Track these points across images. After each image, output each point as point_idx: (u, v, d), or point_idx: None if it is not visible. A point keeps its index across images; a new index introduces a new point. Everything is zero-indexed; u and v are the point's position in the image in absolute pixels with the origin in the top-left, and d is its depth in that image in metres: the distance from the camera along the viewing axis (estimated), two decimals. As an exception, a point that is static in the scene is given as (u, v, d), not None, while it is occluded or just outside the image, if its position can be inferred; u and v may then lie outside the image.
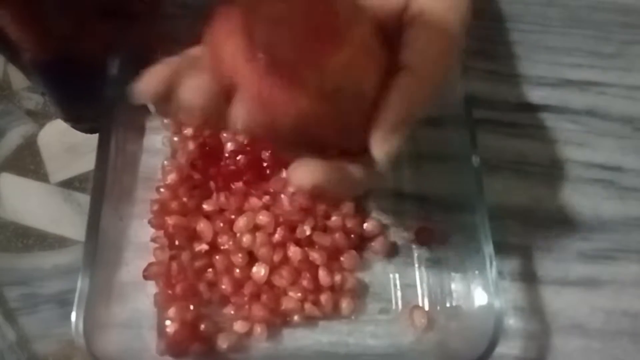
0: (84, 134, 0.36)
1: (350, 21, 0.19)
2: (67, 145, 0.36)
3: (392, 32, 0.21)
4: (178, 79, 0.20)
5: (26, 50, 0.29)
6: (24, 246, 0.33)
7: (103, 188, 0.26)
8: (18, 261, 0.32)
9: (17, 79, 0.38)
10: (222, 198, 0.30)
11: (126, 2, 0.30)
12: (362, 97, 0.20)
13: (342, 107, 0.20)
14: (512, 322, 0.31)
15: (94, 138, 0.35)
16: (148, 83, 0.20)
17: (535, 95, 0.38)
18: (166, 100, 0.20)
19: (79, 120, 0.36)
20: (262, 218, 0.30)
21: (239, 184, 0.31)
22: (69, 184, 0.35)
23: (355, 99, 0.20)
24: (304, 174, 0.20)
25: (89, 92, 0.32)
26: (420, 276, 0.31)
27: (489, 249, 0.27)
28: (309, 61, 0.19)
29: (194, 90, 0.20)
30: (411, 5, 0.21)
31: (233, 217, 0.30)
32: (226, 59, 0.19)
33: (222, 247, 0.30)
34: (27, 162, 0.36)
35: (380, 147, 0.20)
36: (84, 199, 0.34)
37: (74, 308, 0.24)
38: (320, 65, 0.19)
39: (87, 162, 0.36)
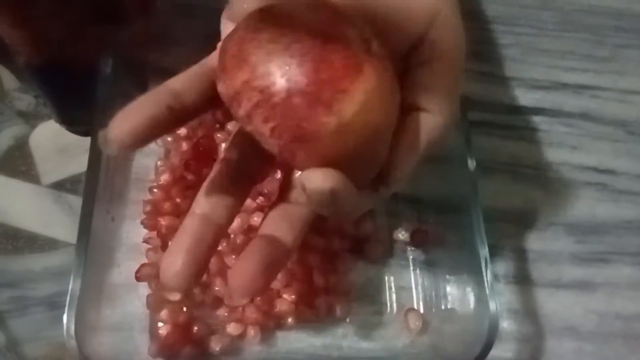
0: (76, 136, 0.36)
1: (366, 49, 0.18)
2: (59, 147, 0.36)
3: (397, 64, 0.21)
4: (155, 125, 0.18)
5: (20, 53, 0.28)
6: (13, 248, 0.32)
7: (95, 189, 0.26)
8: (8, 263, 0.32)
9: (9, 79, 0.37)
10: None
11: (120, 6, 0.29)
12: (382, 140, 0.19)
13: (359, 155, 0.19)
14: (505, 324, 0.31)
15: (86, 140, 0.35)
16: (119, 130, 0.18)
17: (530, 97, 0.38)
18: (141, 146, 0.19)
19: (74, 123, 0.36)
20: (256, 219, 0.30)
21: None
22: (60, 186, 0.34)
23: (374, 144, 0.19)
24: (322, 176, 0.18)
25: (83, 95, 0.32)
26: (414, 278, 0.31)
27: (484, 251, 0.27)
28: (322, 102, 0.17)
29: None
30: (428, 36, 0.21)
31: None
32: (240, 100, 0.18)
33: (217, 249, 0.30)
34: (18, 163, 0.35)
35: (397, 183, 0.21)
36: (75, 200, 0.34)
37: (66, 310, 0.23)
38: (335, 104, 0.17)
39: (78, 164, 0.35)
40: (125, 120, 0.18)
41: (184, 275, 0.19)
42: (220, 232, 0.21)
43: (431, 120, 0.21)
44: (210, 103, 0.20)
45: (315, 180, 0.18)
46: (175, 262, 0.19)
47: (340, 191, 0.18)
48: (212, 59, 0.21)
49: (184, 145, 0.32)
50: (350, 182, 0.19)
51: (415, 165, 0.21)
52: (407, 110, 0.21)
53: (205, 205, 0.21)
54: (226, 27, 0.22)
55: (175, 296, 0.28)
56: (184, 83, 0.20)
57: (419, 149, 0.21)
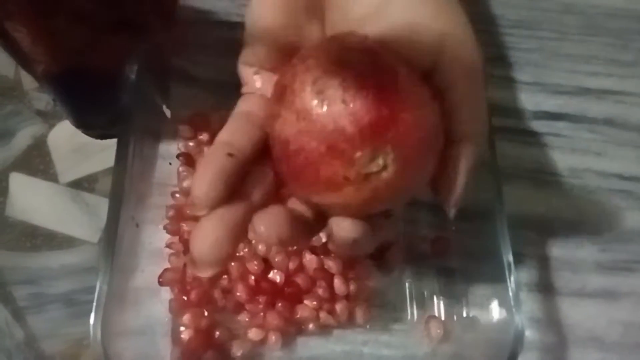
0: (93, 135, 0.36)
1: (410, 79, 0.20)
2: (76, 146, 0.36)
3: None
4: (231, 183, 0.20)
5: (39, 62, 0.29)
6: (32, 245, 0.33)
7: (121, 194, 0.26)
8: (26, 260, 0.33)
9: (28, 79, 0.38)
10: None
11: (138, 14, 0.30)
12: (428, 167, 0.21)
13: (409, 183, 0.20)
14: (528, 333, 0.30)
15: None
16: (201, 194, 0.20)
17: (553, 103, 0.37)
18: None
19: (90, 127, 0.36)
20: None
21: None
22: (77, 184, 0.35)
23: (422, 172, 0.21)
24: (350, 227, 0.21)
25: (101, 101, 0.32)
26: (436, 286, 0.31)
27: (508, 259, 0.27)
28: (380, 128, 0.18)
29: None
30: (439, 66, 0.21)
31: (248, 224, 0.30)
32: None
33: (237, 254, 0.30)
34: (36, 162, 0.36)
35: (455, 205, 0.23)
36: (92, 199, 0.35)
37: (92, 314, 0.23)
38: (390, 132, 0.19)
39: (96, 163, 0.36)
40: (202, 181, 0.20)
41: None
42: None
43: (475, 146, 0.22)
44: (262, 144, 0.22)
45: (342, 230, 0.21)
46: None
47: (361, 241, 0.21)
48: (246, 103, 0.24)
49: (206, 151, 0.32)
50: (371, 230, 0.21)
51: (464, 190, 0.22)
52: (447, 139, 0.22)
53: (226, 135, 0.22)
54: (244, 72, 0.24)
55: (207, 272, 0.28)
56: (233, 133, 0.22)
57: (470, 175, 0.22)
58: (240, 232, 0.21)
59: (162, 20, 0.31)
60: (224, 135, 0.22)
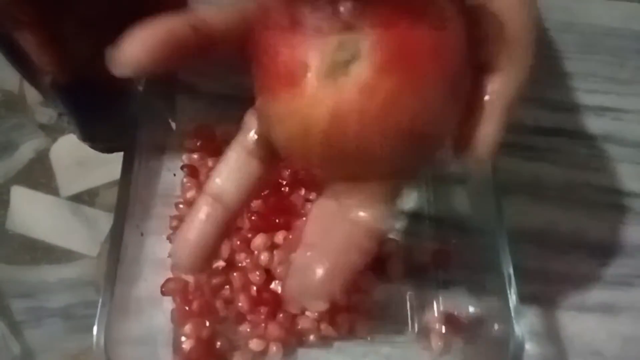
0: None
1: None
2: (78, 160, 0.36)
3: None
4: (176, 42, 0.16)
5: (47, 73, 0.29)
6: (31, 259, 0.33)
7: (127, 204, 0.26)
8: (25, 274, 0.33)
9: (32, 93, 0.38)
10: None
11: (144, 22, 0.30)
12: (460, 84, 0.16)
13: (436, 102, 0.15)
14: (528, 347, 0.30)
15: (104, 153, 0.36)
16: (134, 46, 0.16)
17: (551, 119, 0.38)
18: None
19: (96, 140, 0.36)
20: (280, 237, 0.30)
21: (257, 202, 0.31)
22: (78, 198, 0.35)
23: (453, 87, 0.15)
24: (315, 297, 0.18)
25: (108, 113, 0.33)
26: (437, 298, 0.31)
27: (508, 272, 0.27)
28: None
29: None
30: None
31: (250, 235, 0.30)
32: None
33: (239, 265, 0.30)
34: (38, 175, 0.36)
35: (482, 156, 0.18)
36: (92, 212, 0.35)
37: (96, 322, 0.24)
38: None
39: (97, 177, 0.36)
40: (143, 34, 0.16)
41: (195, 255, 0.19)
42: (231, 214, 0.20)
43: (505, 80, 0.17)
44: (241, 42, 0.17)
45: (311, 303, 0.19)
46: (187, 240, 0.19)
47: (336, 293, 0.18)
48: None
49: (210, 162, 0.32)
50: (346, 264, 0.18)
51: (499, 135, 0.17)
52: (478, 69, 0.17)
53: (214, 186, 0.20)
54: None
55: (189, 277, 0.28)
56: (213, 12, 0.17)
57: (496, 118, 0.17)
58: (216, 238, 0.19)
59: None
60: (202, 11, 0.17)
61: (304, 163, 0.17)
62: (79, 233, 0.34)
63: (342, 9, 0.14)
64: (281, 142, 0.17)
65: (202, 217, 0.19)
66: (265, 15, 0.15)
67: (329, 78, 0.14)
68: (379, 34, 0.13)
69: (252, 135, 0.19)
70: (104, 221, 0.34)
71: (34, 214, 0.35)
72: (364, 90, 0.14)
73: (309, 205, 0.31)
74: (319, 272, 0.17)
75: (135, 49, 0.15)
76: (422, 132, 0.15)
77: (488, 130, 0.17)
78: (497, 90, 0.17)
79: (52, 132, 0.37)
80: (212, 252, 0.20)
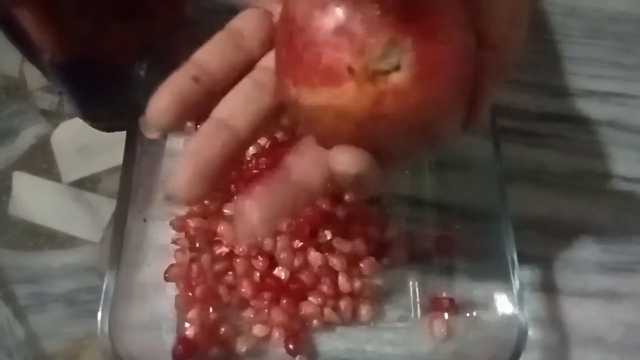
0: (97, 135, 0.36)
1: None
2: (79, 146, 0.36)
3: None
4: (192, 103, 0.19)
5: (46, 51, 0.29)
6: (34, 244, 0.33)
7: (129, 189, 0.26)
8: (28, 259, 0.33)
9: (33, 78, 0.38)
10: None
11: (143, 3, 0.30)
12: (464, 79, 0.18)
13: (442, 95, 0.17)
14: (530, 332, 0.30)
15: (107, 139, 0.36)
16: (155, 112, 0.19)
17: (556, 105, 0.38)
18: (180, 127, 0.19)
19: (97, 119, 0.36)
20: (284, 225, 0.30)
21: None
22: (80, 184, 0.35)
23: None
24: (350, 159, 0.17)
25: (108, 92, 0.32)
26: (440, 284, 0.31)
27: (512, 259, 0.27)
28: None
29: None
30: None
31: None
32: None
33: (241, 250, 0.30)
34: (39, 161, 0.36)
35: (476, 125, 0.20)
36: (95, 198, 0.35)
37: (100, 308, 0.24)
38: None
39: (99, 162, 0.36)
40: (159, 101, 0.19)
41: (193, 184, 0.19)
42: (239, 140, 0.20)
43: (501, 58, 0.19)
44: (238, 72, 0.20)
45: (341, 162, 0.18)
46: (183, 170, 0.19)
47: (366, 174, 0.18)
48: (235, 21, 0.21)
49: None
50: (377, 164, 0.18)
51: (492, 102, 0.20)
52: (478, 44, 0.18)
53: (224, 110, 0.20)
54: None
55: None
56: (208, 53, 0.20)
57: (494, 89, 0.19)
58: (225, 161, 0.19)
59: (171, 10, 0.31)
60: (199, 55, 0.20)
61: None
62: (81, 219, 0.34)
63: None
64: (308, 120, 0.18)
65: (206, 138, 0.19)
66: (300, 17, 0.17)
67: (369, 82, 0.16)
68: (420, 49, 0.16)
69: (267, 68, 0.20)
70: (106, 207, 0.34)
71: (36, 200, 0.35)
72: (398, 95, 0.16)
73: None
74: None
75: (157, 115, 0.19)
76: (437, 130, 0.18)
77: (477, 106, 0.19)
78: (487, 70, 0.19)
79: (53, 117, 0.37)
80: (214, 176, 0.19)
